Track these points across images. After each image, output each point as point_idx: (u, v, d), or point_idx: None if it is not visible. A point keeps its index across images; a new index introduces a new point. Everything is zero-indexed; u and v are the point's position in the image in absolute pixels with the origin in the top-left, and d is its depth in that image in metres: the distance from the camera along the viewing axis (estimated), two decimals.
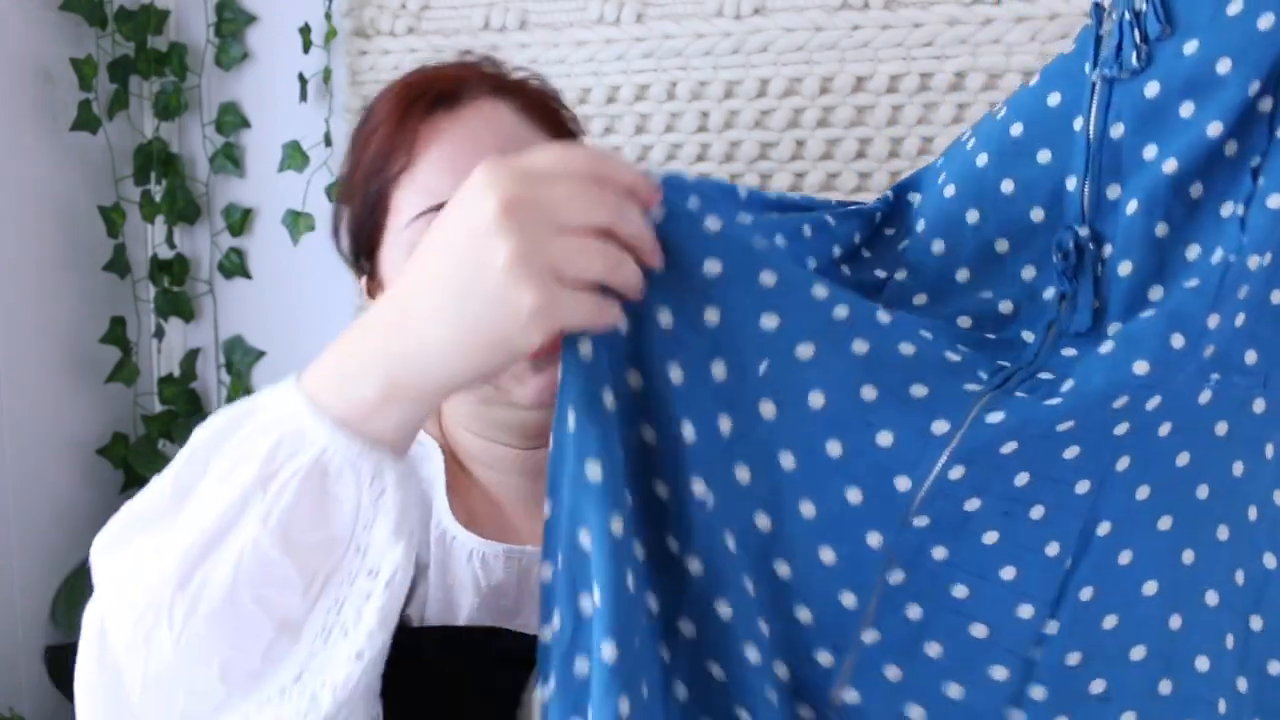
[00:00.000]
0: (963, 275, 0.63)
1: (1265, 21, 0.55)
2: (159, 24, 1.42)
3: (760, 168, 1.25)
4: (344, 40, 1.36)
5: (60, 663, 1.36)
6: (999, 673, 0.56)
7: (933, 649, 0.56)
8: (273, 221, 1.44)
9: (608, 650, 0.49)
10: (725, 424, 0.53)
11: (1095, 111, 0.60)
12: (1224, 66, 0.56)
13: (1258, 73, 0.56)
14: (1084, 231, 0.60)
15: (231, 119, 1.43)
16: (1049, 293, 0.61)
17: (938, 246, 0.64)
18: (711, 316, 0.52)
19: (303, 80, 1.38)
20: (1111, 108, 0.59)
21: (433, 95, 0.77)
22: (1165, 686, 0.57)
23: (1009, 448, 0.54)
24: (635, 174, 0.51)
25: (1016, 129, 0.63)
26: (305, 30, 1.37)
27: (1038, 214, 0.62)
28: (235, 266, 1.45)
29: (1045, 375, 0.58)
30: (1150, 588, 0.56)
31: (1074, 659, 0.56)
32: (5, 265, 1.31)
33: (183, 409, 1.47)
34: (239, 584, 0.51)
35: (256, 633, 0.52)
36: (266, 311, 1.46)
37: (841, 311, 0.54)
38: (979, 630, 0.56)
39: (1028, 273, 0.62)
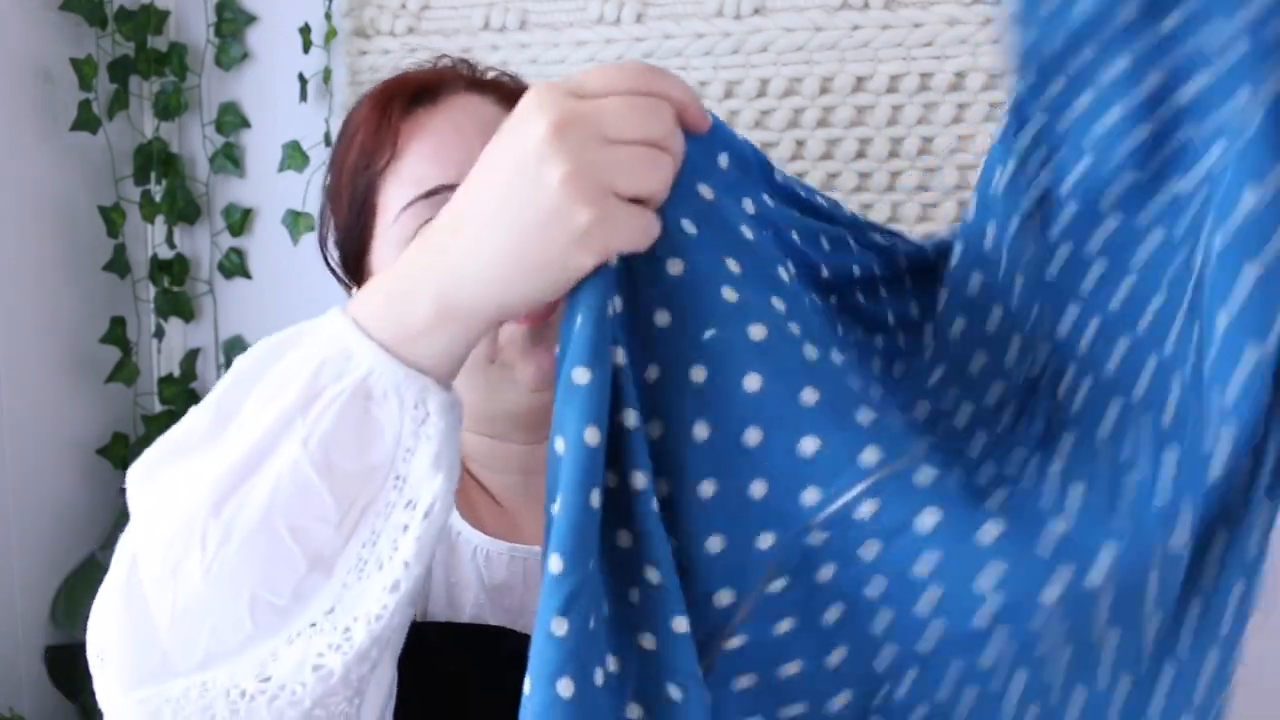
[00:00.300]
0: (936, 375, 0.62)
1: (1132, 140, 0.55)
2: (159, 24, 1.42)
3: None
4: (344, 40, 1.37)
5: (60, 663, 1.36)
6: (841, 699, 0.55)
7: (789, 668, 0.54)
8: (273, 221, 1.44)
9: (554, 562, 0.47)
10: (652, 373, 0.52)
11: (1033, 253, 0.59)
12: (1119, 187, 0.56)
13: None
14: (1044, 353, 0.59)
15: (231, 119, 1.43)
16: (1007, 413, 0.60)
17: (928, 352, 0.64)
18: (674, 268, 0.51)
19: (303, 80, 1.38)
20: (1041, 243, 0.59)
21: (410, 93, 0.78)
22: None
23: (929, 519, 0.51)
24: (688, 92, 0.50)
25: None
26: (305, 30, 1.37)
27: (1015, 346, 0.60)
28: (235, 266, 1.45)
29: (987, 470, 0.56)
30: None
31: (919, 713, 0.55)
32: (5, 265, 1.31)
33: (183, 409, 1.46)
34: (274, 510, 0.50)
35: (289, 565, 0.50)
36: (266, 311, 1.46)
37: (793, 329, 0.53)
38: (836, 656, 0.54)
39: (994, 392, 0.60)
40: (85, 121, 1.38)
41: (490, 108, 0.78)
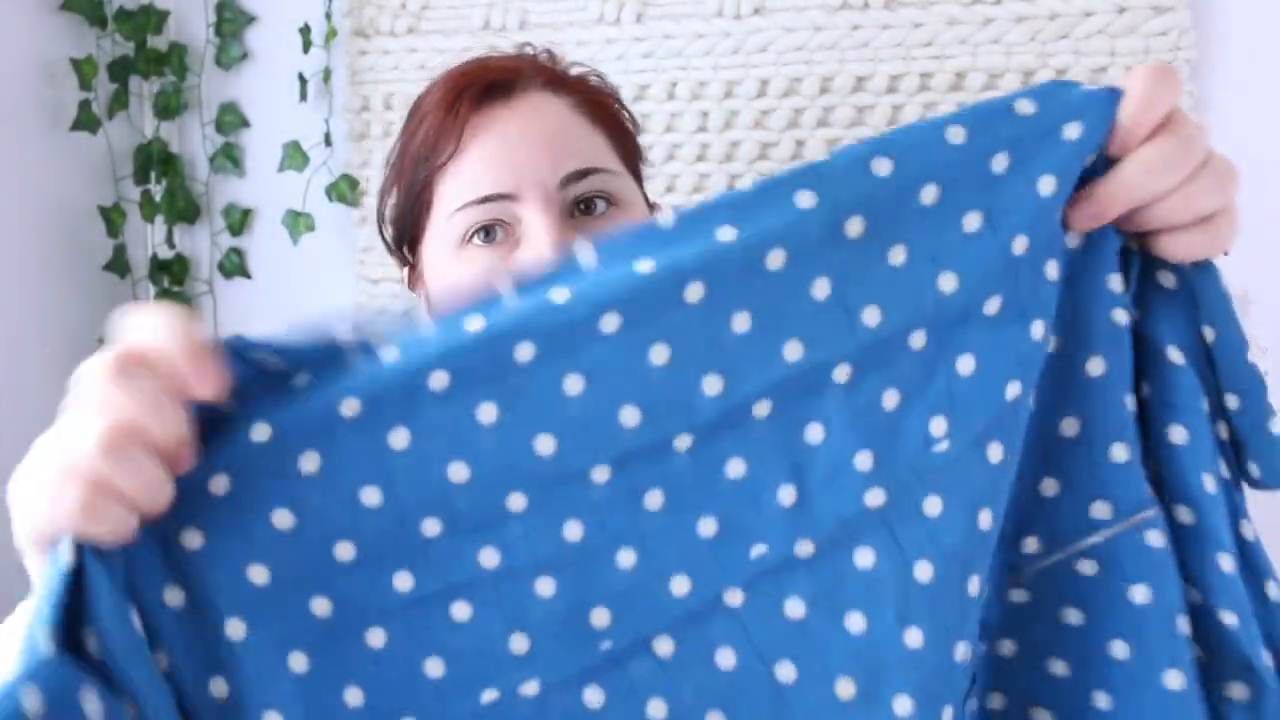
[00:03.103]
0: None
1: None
2: (159, 24, 1.42)
3: (760, 168, 1.26)
4: (344, 40, 1.36)
5: None
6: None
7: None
8: (273, 221, 1.44)
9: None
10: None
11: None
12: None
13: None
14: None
15: (231, 119, 1.43)
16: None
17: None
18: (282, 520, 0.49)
19: (303, 80, 1.38)
20: None
21: (485, 84, 0.77)
22: None
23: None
24: (188, 355, 0.45)
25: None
26: (305, 30, 1.37)
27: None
28: (235, 266, 1.45)
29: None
30: None
31: None
32: (5, 265, 1.31)
33: None
34: None
35: None
36: (266, 311, 1.46)
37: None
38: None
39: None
40: (85, 121, 1.38)
41: (564, 110, 0.77)
